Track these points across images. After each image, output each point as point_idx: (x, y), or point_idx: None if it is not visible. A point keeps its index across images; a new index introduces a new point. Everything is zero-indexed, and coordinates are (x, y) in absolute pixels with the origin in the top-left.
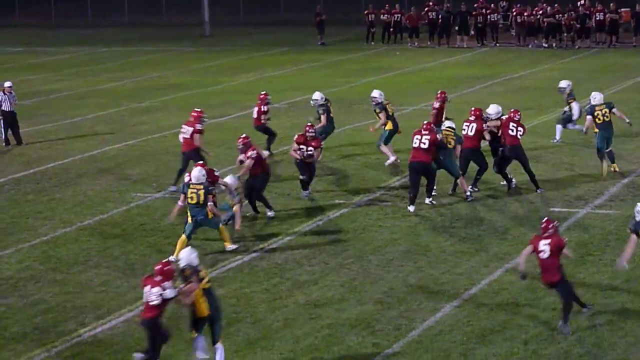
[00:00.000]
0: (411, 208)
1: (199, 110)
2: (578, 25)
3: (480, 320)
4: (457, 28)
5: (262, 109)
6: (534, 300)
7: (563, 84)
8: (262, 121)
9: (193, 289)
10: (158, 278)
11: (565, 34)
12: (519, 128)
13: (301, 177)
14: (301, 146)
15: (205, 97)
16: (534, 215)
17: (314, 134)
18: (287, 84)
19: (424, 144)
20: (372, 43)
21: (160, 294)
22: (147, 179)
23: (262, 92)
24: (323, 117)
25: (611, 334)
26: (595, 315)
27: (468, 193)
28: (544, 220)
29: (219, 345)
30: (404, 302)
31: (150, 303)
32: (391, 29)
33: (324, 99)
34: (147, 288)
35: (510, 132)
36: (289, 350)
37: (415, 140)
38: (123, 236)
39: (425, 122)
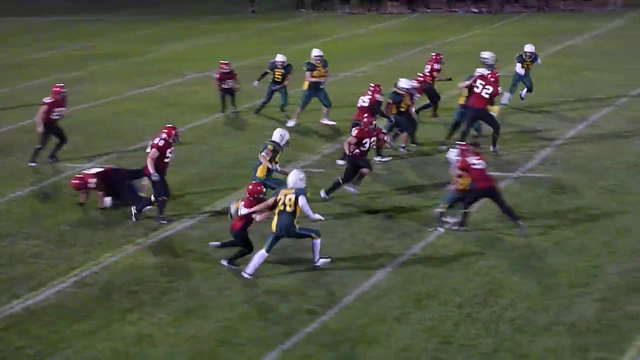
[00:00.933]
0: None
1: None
2: None
3: (414, 284)
4: None
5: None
6: (468, 264)
7: (486, 54)
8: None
9: (265, 209)
10: (245, 196)
11: None
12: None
13: (364, 170)
14: (364, 140)
15: (136, 66)
16: None
17: (373, 127)
18: (218, 52)
19: (365, 102)
20: (303, 10)
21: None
22: (78, 149)
23: None
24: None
25: (542, 297)
26: (528, 277)
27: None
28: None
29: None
30: (338, 268)
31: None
32: None
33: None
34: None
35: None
36: (224, 318)
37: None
38: (54, 207)
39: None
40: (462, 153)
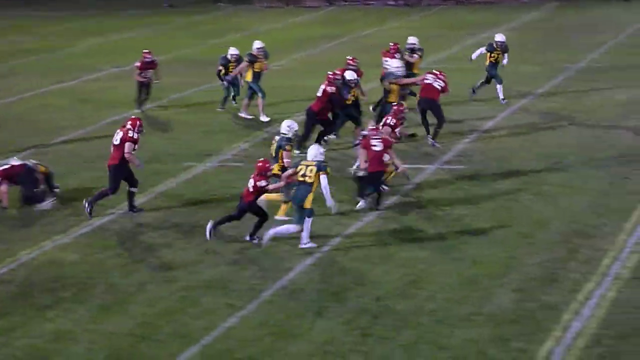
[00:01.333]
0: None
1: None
2: None
3: (333, 277)
4: None
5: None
6: (387, 257)
7: (412, 39)
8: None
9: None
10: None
11: None
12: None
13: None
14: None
15: (53, 62)
16: None
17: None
18: (135, 46)
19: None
20: (221, 4)
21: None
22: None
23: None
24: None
25: (462, 288)
26: (447, 269)
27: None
28: (373, 128)
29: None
30: (257, 262)
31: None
32: None
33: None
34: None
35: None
36: (143, 314)
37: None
38: None
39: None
40: (369, 133)
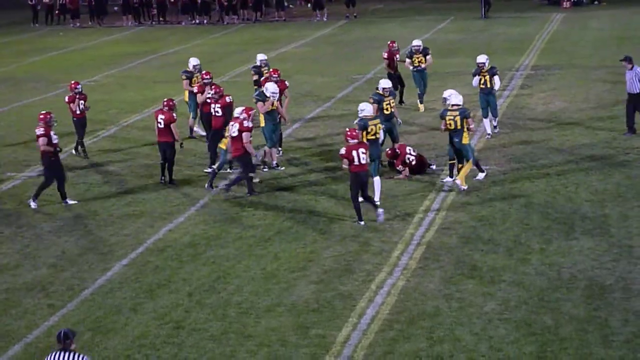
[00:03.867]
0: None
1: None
2: (225, 3)
3: (147, 276)
4: (115, 8)
5: None
6: (197, 255)
7: (482, 58)
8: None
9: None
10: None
11: (215, 11)
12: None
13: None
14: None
15: None
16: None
17: None
18: None
19: (160, 123)
20: (37, 25)
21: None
22: None
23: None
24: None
25: (265, 281)
26: (252, 264)
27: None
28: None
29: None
30: (76, 264)
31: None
32: (56, 11)
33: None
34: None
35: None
36: None
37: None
38: None
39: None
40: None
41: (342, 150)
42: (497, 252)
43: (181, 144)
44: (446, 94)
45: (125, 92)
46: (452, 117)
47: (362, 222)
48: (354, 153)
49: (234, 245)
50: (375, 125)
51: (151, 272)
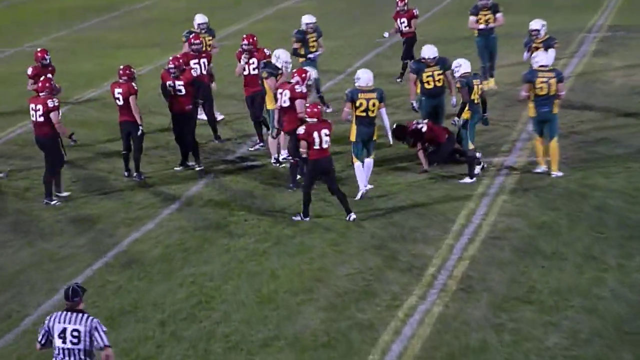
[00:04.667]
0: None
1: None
2: None
3: (107, 300)
4: None
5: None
6: (171, 273)
7: (537, 24)
8: None
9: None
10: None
11: None
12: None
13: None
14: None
15: None
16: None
17: None
18: None
19: (119, 99)
20: None
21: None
22: None
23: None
24: None
25: (261, 307)
26: (243, 284)
27: None
28: None
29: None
30: (15, 284)
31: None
32: None
33: None
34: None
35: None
36: None
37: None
38: None
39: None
40: None
41: (301, 130)
42: (563, 269)
43: (71, 135)
44: (456, 63)
45: (78, 61)
46: (545, 80)
47: (307, 218)
48: (315, 135)
49: (219, 259)
50: (367, 100)
51: (112, 294)
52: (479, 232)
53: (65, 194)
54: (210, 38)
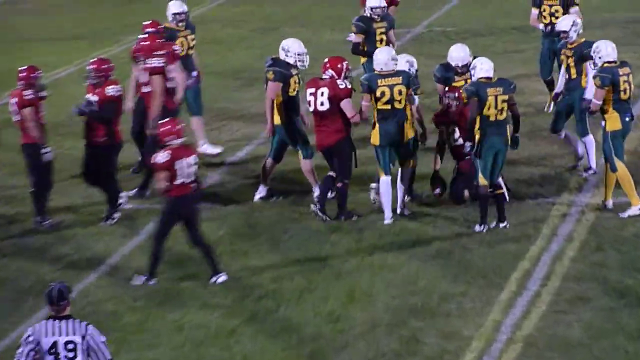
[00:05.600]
0: None
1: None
2: None
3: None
4: None
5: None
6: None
7: (565, 24)
8: None
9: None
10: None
11: None
12: None
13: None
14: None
15: None
16: None
17: None
18: None
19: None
20: None
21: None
22: None
23: None
24: None
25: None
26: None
27: None
28: None
29: None
30: None
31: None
32: None
33: None
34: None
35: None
36: None
37: None
38: None
39: None
40: None
41: (159, 158)
42: None
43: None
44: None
45: None
46: (626, 78)
47: (153, 282)
48: (177, 164)
49: (169, 343)
50: (391, 87)
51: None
52: (536, 303)
53: None
54: (193, 37)
